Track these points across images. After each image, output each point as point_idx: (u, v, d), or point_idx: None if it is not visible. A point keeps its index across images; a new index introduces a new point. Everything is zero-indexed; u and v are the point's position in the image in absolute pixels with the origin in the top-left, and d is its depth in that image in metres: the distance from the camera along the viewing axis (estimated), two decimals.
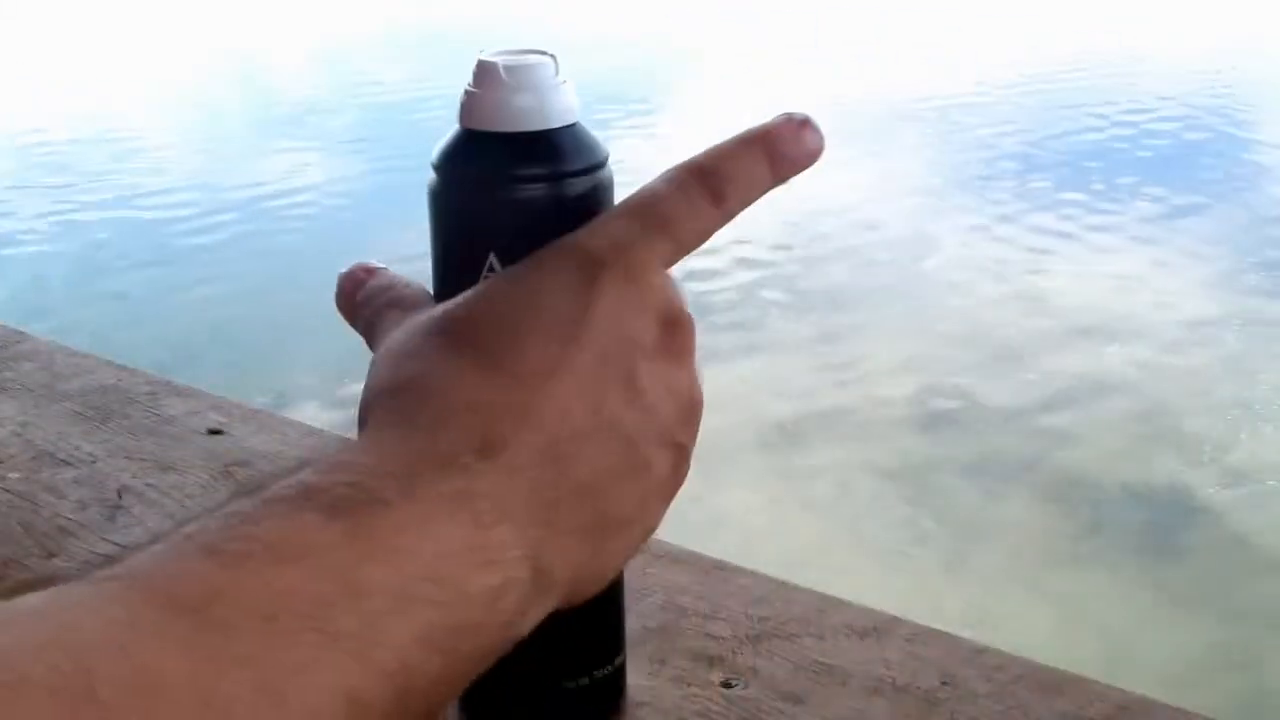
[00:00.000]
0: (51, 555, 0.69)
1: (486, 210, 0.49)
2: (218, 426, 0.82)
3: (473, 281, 0.48)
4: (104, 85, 8.08)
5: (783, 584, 0.65)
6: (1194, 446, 3.42)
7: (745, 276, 4.56)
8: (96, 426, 0.83)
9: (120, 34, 9.58)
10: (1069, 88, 7.43)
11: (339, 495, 0.40)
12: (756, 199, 0.50)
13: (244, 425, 0.83)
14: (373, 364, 0.47)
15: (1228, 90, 7.36)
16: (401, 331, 0.47)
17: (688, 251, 0.49)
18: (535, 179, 0.49)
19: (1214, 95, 7.22)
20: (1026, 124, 6.70)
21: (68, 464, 0.78)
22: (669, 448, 0.47)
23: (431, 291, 0.51)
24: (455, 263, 0.50)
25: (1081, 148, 6.28)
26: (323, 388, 3.73)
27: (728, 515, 3.00)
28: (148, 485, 0.76)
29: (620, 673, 0.55)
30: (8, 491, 0.76)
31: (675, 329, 0.47)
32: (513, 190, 0.49)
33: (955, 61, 8.08)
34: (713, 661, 0.59)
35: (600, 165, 0.50)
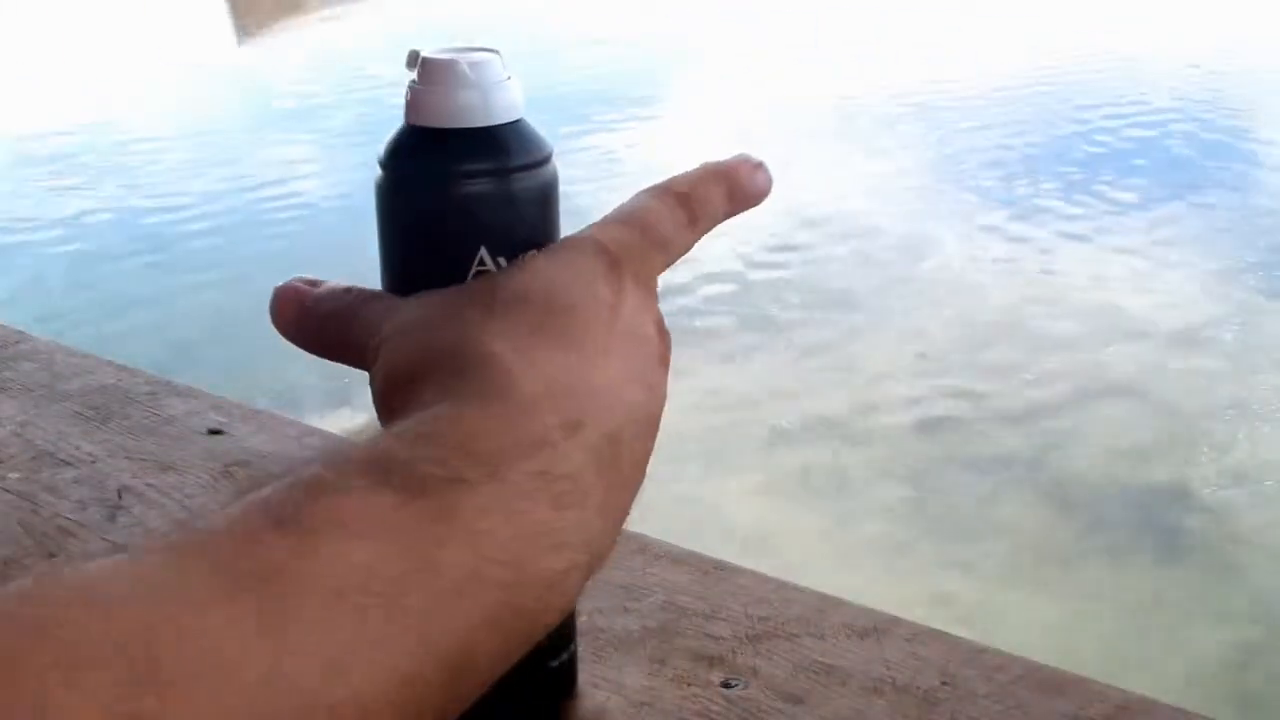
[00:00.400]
0: (51, 555, 0.69)
1: (432, 205, 0.50)
2: (218, 426, 0.82)
3: (421, 273, 0.49)
4: (103, 83, 8.08)
5: (783, 584, 0.65)
6: (1193, 446, 3.42)
7: (743, 276, 4.56)
8: (96, 426, 0.83)
9: (119, 32, 9.58)
10: (1068, 87, 7.43)
11: (421, 472, 0.39)
12: (714, 227, 0.53)
13: (244, 425, 0.83)
14: (388, 342, 0.47)
15: (1227, 89, 7.36)
16: (421, 308, 0.47)
17: (672, 263, 0.51)
18: (480, 174, 0.49)
19: (1214, 94, 7.22)
20: (1025, 123, 6.69)
21: (68, 464, 0.78)
22: (652, 434, 0.48)
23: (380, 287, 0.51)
24: (402, 257, 0.51)
25: (1080, 147, 6.28)
26: (323, 387, 3.73)
27: (727, 515, 3.00)
28: (148, 485, 0.76)
29: (572, 662, 0.56)
30: (8, 491, 0.76)
31: (666, 337, 0.50)
32: (458, 185, 0.49)
33: (954, 61, 8.08)
34: (713, 661, 0.59)
35: (545, 160, 0.51)
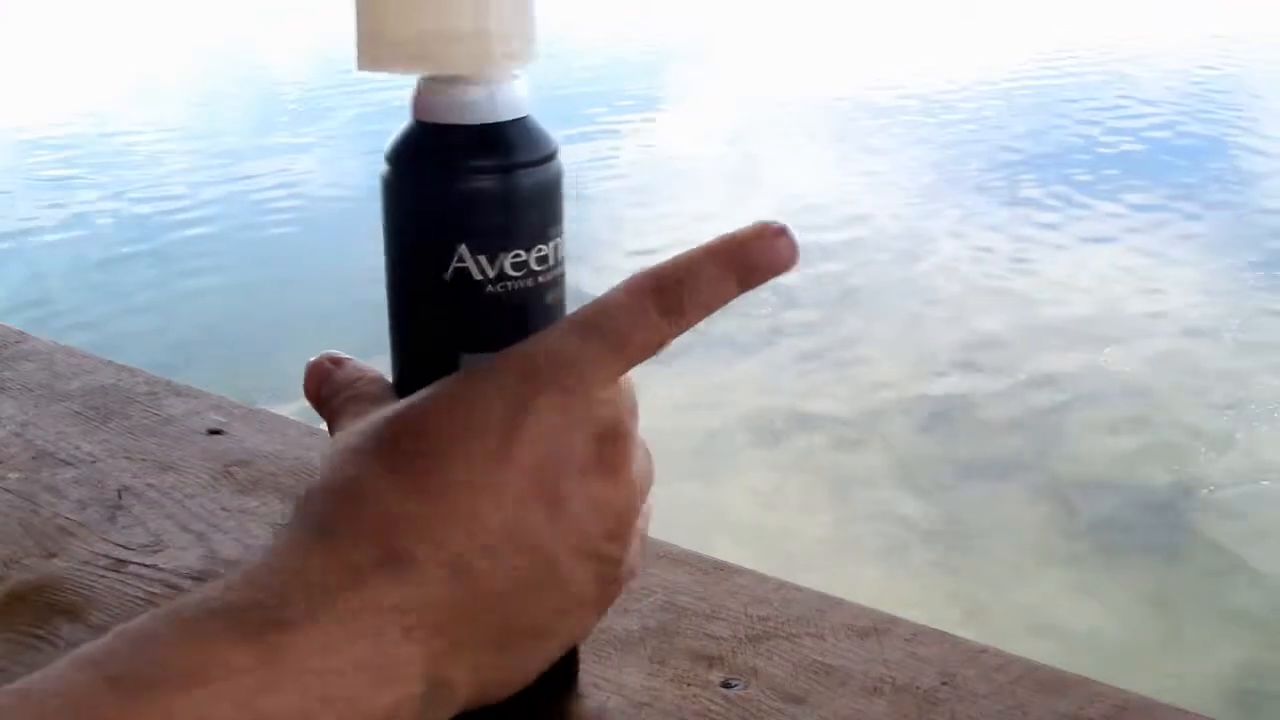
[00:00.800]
0: (51, 555, 0.69)
1: (412, 201, 0.50)
2: (218, 426, 0.82)
3: (402, 273, 0.50)
4: (102, 81, 8.08)
5: (782, 584, 0.65)
6: (1189, 446, 3.42)
7: None
8: (96, 426, 0.83)
9: (118, 29, 9.57)
10: (1064, 86, 7.43)
11: (248, 615, 0.40)
12: (718, 308, 0.50)
13: (244, 425, 0.83)
14: (320, 459, 0.48)
15: (1228, 89, 7.36)
16: (347, 432, 0.48)
17: (638, 362, 0.49)
18: (486, 170, 0.50)
19: (1210, 93, 7.22)
20: (1022, 122, 6.70)
21: (68, 464, 0.78)
22: (592, 560, 0.47)
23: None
24: (406, 254, 0.51)
25: (1077, 146, 6.28)
26: None
27: (726, 515, 3.00)
28: (148, 485, 0.76)
29: (574, 661, 0.56)
30: (8, 491, 0.76)
31: (611, 444, 0.47)
32: (465, 181, 0.50)
33: (953, 61, 8.07)
34: (712, 661, 0.59)
35: (550, 157, 0.51)
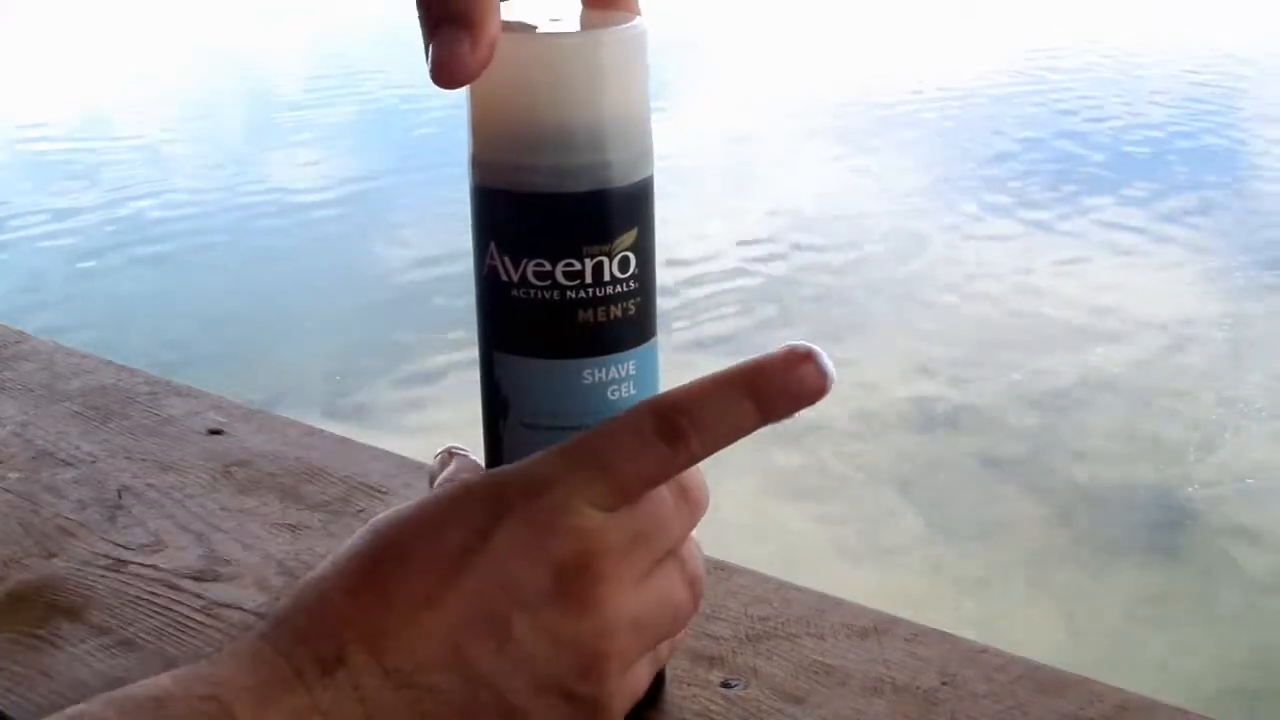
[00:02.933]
0: (51, 555, 0.69)
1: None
2: (218, 426, 0.82)
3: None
4: (102, 81, 8.08)
5: (782, 584, 0.65)
6: (1186, 446, 3.42)
7: (739, 275, 4.56)
8: (96, 426, 0.83)
9: (119, 30, 9.57)
10: (1064, 87, 7.43)
11: (191, 711, 0.41)
12: (734, 440, 0.48)
13: (244, 425, 0.83)
14: None
15: (1224, 91, 7.36)
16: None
17: (634, 494, 0.47)
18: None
19: (1205, 93, 7.22)
20: (1019, 122, 6.70)
21: (68, 464, 0.78)
22: (557, 697, 0.46)
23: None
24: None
25: (1075, 146, 6.28)
26: (320, 387, 3.73)
27: (725, 516, 3.00)
28: (148, 485, 0.76)
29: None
30: (8, 491, 0.76)
31: (577, 576, 0.45)
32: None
33: (951, 61, 8.08)
34: (713, 661, 0.59)
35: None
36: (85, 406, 0.86)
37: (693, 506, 0.50)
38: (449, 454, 0.56)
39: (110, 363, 0.92)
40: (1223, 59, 8.02)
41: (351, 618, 0.44)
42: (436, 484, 0.54)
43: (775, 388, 0.47)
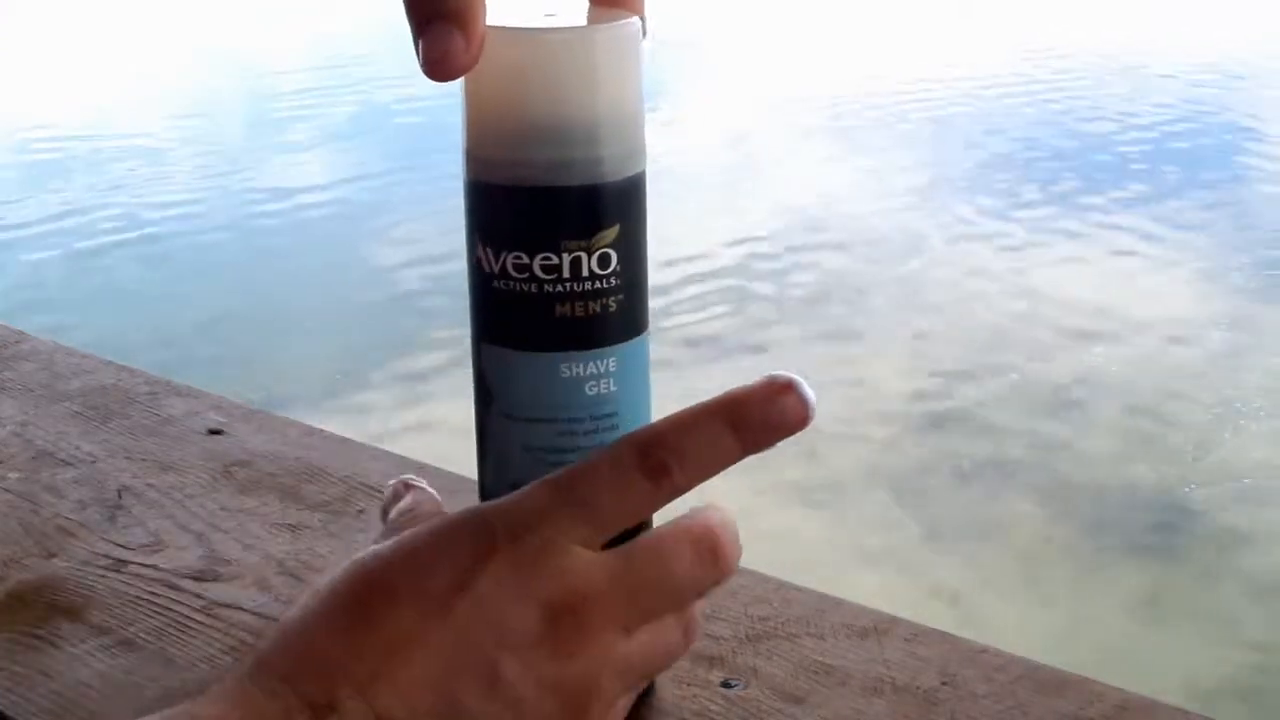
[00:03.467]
0: (51, 555, 0.69)
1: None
2: (218, 426, 0.82)
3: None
4: (101, 81, 8.08)
5: (782, 584, 0.65)
6: (1180, 445, 3.43)
7: (738, 275, 4.56)
8: (96, 426, 0.83)
9: (119, 30, 9.57)
10: (1063, 88, 7.43)
11: None
12: (717, 472, 0.48)
13: (244, 425, 0.83)
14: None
15: (1222, 91, 7.36)
16: (334, 569, 0.48)
17: (616, 530, 0.47)
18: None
19: (1205, 94, 7.22)
20: (1017, 122, 6.70)
21: (68, 464, 0.78)
22: None
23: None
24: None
25: (1074, 146, 6.28)
26: (318, 387, 3.73)
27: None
28: (148, 485, 0.76)
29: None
30: (8, 491, 0.76)
31: (567, 618, 0.45)
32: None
33: (950, 61, 8.08)
34: (712, 661, 0.59)
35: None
36: (85, 406, 0.86)
37: (720, 569, 0.49)
38: (405, 485, 0.55)
39: (110, 363, 0.92)
40: (1221, 58, 8.02)
41: (341, 661, 0.44)
42: (392, 516, 0.54)
43: (756, 419, 0.47)
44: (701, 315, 4.09)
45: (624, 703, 0.49)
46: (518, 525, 0.46)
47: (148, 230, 5.36)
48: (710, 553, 0.48)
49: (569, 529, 0.46)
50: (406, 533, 0.47)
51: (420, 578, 0.45)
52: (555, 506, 0.46)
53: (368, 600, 0.45)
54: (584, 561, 0.46)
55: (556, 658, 0.45)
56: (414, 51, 0.45)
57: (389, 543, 0.47)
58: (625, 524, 0.47)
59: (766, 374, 0.48)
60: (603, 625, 0.46)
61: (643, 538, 0.48)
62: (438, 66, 0.45)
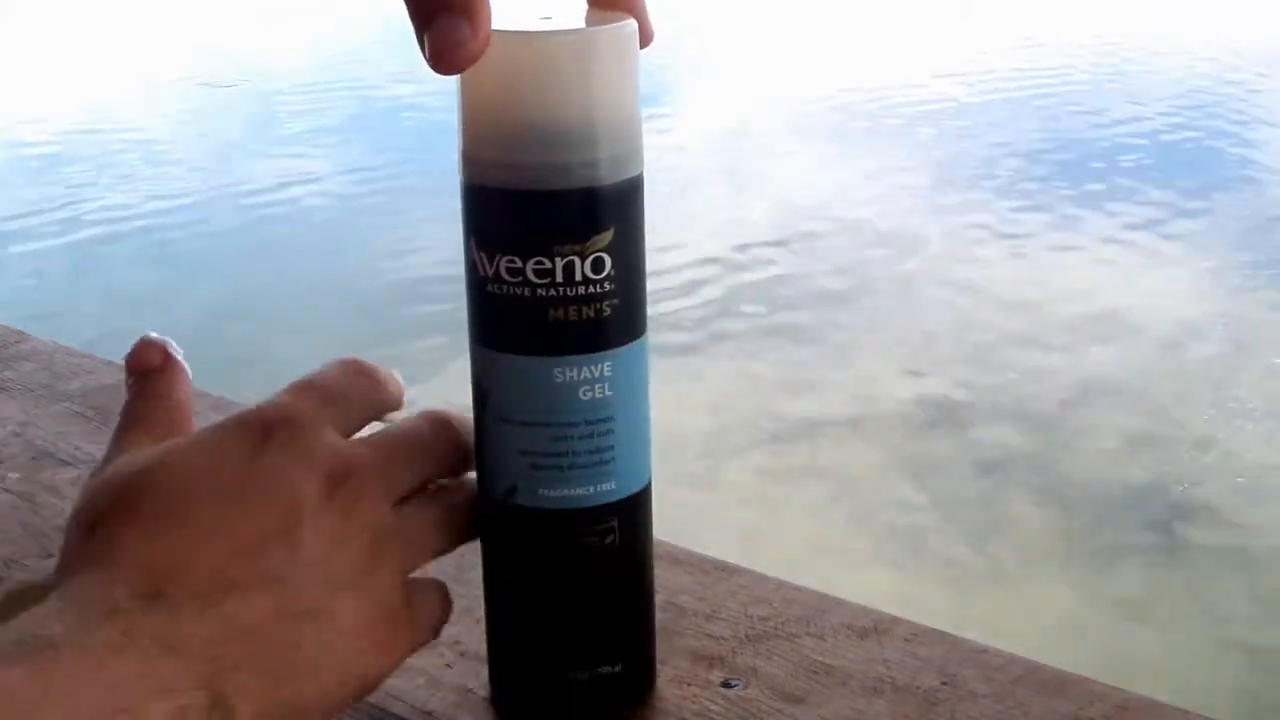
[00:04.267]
0: (51, 555, 0.69)
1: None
2: None
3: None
4: (101, 81, 8.08)
5: (782, 584, 0.65)
6: (1184, 445, 3.43)
7: (737, 276, 4.56)
8: (97, 426, 0.83)
9: (118, 28, 9.58)
10: (1063, 88, 7.43)
11: (22, 643, 0.42)
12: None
13: None
14: (92, 476, 0.51)
15: (1222, 90, 7.36)
16: (115, 468, 0.51)
17: (362, 422, 0.54)
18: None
19: (1204, 97, 7.22)
20: (1020, 123, 6.70)
21: (68, 464, 0.79)
22: (353, 592, 0.49)
23: None
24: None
25: (1073, 145, 6.28)
26: None
27: (726, 516, 3.00)
28: None
29: (630, 676, 0.56)
30: (8, 491, 0.76)
31: (346, 482, 0.49)
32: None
33: (950, 60, 8.08)
34: (712, 661, 0.59)
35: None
36: (85, 406, 0.86)
37: (450, 433, 0.55)
38: (165, 355, 0.59)
39: (111, 362, 0.92)
40: (1224, 57, 8.02)
41: (161, 557, 0.46)
42: (141, 397, 0.56)
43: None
44: (697, 314, 4.09)
45: (429, 596, 0.54)
46: (285, 413, 0.50)
47: (148, 230, 5.36)
48: (442, 426, 0.55)
49: (326, 413, 0.51)
50: (167, 444, 0.51)
51: (209, 474, 0.48)
52: (305, 397, 0.52)
53: (169, 503, 0.48)
54: (346, 441, 0.51)
55: (343, 515, 0.49)
56: (418, 46, 0.46)
57: (157, 452, 0.50)
58: (366, 417, 0.54)
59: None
60: (374, 493, 0.50)
61: (388, 426, 0.55)
62: (446, 58, 0.46)
